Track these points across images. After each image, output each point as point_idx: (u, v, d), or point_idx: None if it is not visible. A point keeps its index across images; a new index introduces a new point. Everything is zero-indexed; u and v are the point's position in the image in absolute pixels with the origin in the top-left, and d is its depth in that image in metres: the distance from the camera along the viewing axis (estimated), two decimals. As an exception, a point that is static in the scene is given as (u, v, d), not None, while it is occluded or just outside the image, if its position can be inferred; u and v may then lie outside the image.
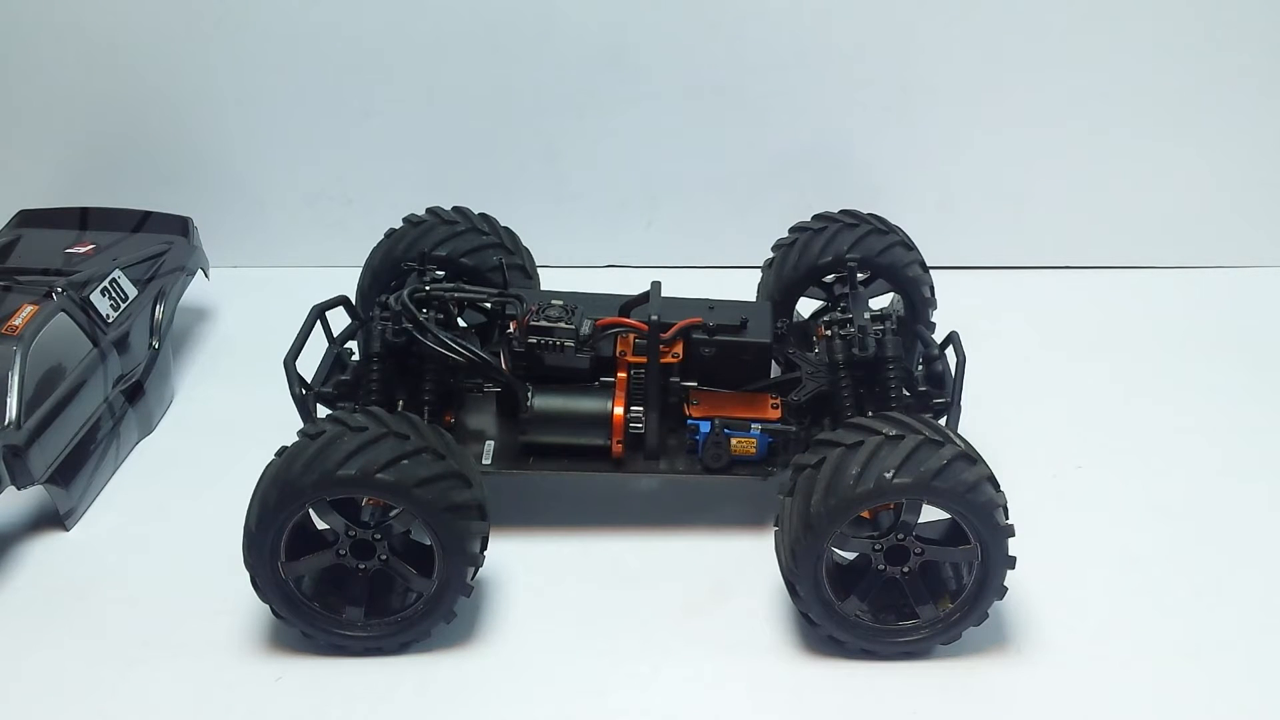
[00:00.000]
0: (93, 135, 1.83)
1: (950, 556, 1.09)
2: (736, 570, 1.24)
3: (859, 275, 1.40)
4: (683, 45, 1.71)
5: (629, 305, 1.28)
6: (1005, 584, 1.08)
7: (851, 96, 1.72)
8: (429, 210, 1.46)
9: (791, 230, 1.46)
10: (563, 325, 1.21)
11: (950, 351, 1.26)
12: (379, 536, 1.09)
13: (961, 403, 1.22)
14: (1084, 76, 1.70)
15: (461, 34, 1.73)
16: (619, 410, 1.22)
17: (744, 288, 1.48)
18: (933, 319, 1.42)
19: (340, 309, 1.35)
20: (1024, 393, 1.50)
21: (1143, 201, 1.78)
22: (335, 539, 1.09)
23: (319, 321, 1.31)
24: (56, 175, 1.85)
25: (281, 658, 1.13)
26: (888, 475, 1.04)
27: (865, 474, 1.05)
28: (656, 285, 1.28)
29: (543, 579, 1.24)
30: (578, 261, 1.83)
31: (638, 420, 1.23)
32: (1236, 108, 1.72)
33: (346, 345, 1.30)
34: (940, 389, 1.26)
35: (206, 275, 1.68)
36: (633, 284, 1.70)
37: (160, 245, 1.61)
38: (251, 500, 1.07)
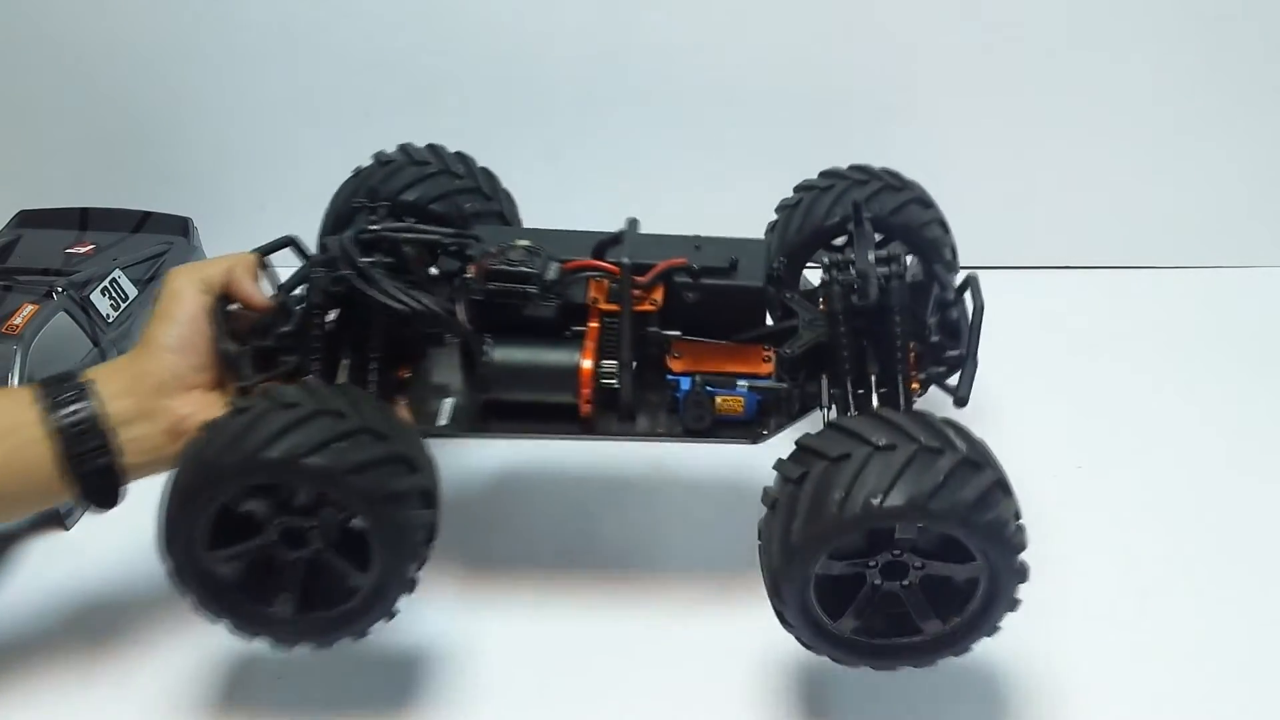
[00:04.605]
0: (93, 135, 1.83)
1: (954, 572, 0.97)
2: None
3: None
4: (683, 42, 1.72)
5: (603, 245, 1.14)
6: (1018, 596, 0.99)
7: (852, 94, 1.73)
8: (400, 148, 1.33)
9: (796, 189, 1.32)
10: (524, 269, 1.07)
11: (968, 297, 1.12)
12: (313, 524, 0.96)
13: (978, 356, 1.08)
14: (1084, 76, 1.71)
15: (461, 34, 1.73)
16: (587, 364, 1.08)
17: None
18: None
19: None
20: (1023, 392, 1.50)
21: (1143, 201, 1.78)
22: (264, 524, 0.96)
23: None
24: (56, 175, 1.85)
25: (283, 655, 1.12)
26: (875, 501, 0.89)
27: (850, 497, 0.87)
28: (633, 223, 1.17)
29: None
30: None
31: (609, 375, 1.09)
32: (1237, 107, 1.73)
33: (295, 292, 1.14)
34: (955, 340, 1.12)
35: (206, 275, 1.69)
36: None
37: (160, 245, 1.61)
38: (168, 482, 0.95)
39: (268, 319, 1.10)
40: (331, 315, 1.10)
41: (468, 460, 1.41)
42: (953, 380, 1.09)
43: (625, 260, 1.08)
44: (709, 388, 1.09)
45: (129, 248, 1.58)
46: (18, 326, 1.31)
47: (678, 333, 1.11)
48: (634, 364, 1.10)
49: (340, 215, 1.34)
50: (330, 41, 1.74)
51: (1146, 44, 1.69)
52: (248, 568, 0.99)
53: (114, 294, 1.48)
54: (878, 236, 1.23)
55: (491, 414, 1.12)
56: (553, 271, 1.08)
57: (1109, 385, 1.54)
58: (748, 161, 1.76)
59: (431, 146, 1.34)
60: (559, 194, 1.85)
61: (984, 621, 1.00)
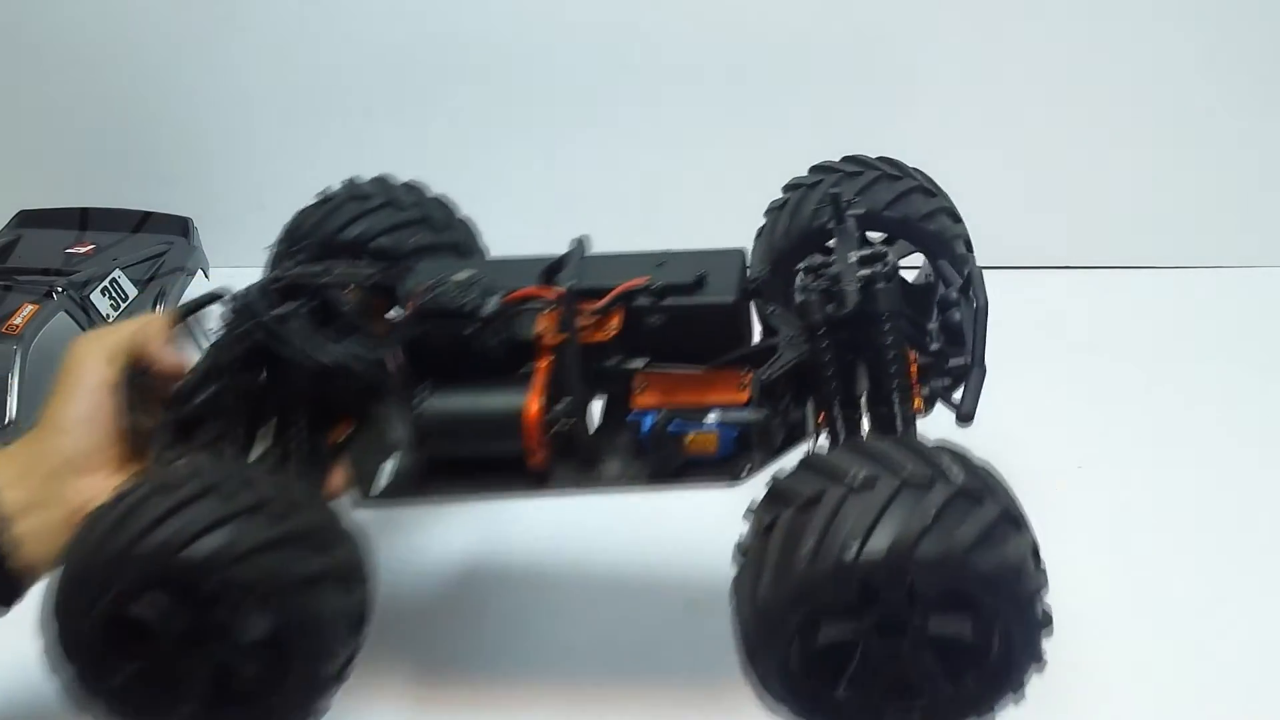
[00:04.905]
0: (93, 135, 1.83)
1: (961, 627, 0.82)
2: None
3: (858, 224, 1.07)
4: (682, 40, 1.72)
5: (551, 270, 1.01)
6: (1042, 649, 0.86)
7: (853, 90, 1.73)
8: (345, 182, 1.22)
9: (785, 188, 1.22)
10: (458, 304, 0.95)
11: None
12: (210, 624, 0.83)
13: (985, 363, 0.96)
14: (1084, 75, 1.71)
15: (462, 33, 1.73)
16: (532, 406, 0.93)
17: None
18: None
19: None
20: (1023, 392, 1.50)
21: (1143, 201, 1.78)
22: (157, 627, 0.82)
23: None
24: (56, 175, 1.85)
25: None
26: (850, 552, 0.76)
27: (823, 548, 0.77)
28: (581, 242, 1.04)
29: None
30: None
31: (564, 418, 0.95)
32: (1238, 107, 1.73)
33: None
34: (958, 345, 0.98)
35: (206, 275, 1.68)
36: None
37: (160, 245, 1.61)
38: (53, 582, 0.84)
39: (190, 384, 0.99)
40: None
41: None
42: (959, 394, 0.96)
43: (567, 283, 0.96)
44: (676, 424, 0.93)
45: (129, 248, 1.58)
46: (18, 326, 1.32)
47: (642, 362, 0.97)
48: (589, 402, 0.98)
49: (281, 260, 1.20)
50: (330, 42, 1.74)
51: (1147, 44, 1.69)
52: (147, 675, 0.84)
53: (114, 294, 1.48)
54: (880, 236, 1.14)
55: (436, 473, 0.97)
56: (492, 304, 0.95)
57: (1109, 385, 1.54)
58: (743, 160, 1.76)
59: (379, 179, 1.23)
60: (559, 195, 1.86)
61: (1004, 681, 0.85)
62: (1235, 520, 1.30)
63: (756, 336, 1.03)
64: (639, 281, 0.97)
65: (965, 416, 0.93)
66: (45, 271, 1.45)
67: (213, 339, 1.00)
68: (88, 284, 1.45)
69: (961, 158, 1.82)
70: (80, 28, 1.75)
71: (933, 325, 1.00)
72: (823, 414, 0.96)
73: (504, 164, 1.81)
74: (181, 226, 1.67)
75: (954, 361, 0.98)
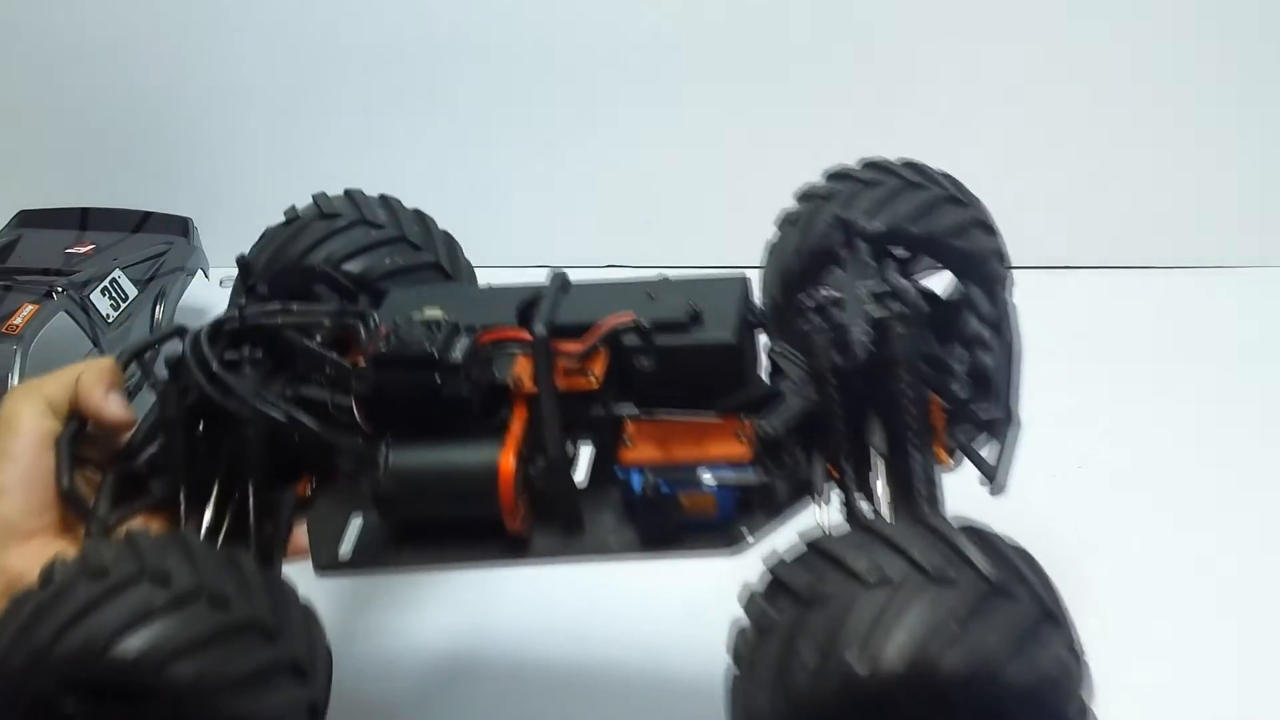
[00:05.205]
0: (93, 135, 1.83)
1: None
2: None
3: (869, 245, 0.95)
4: (681, 38, 1.72)
5: (528, 306, 0.90)
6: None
7: (854, 88, 1.72)
8: (315, 198, 1.13)
9: (799, 197, 1.08)
10: (422, 350, 0.83)
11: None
12: None
13: (1020, 417, 0.84)
14: (1083, 75, 1.70)
15: (462, 33, 1.73)
16: (508, 464, 0.82)
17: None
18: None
19: None
20: (1023, 392, 1.50)
21: (1143, 201, 1.78)
22: None
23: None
24: (56, 175, 1.85)
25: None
26: (861, 670, 0.63)
27: (829, 662, 0.64)
28: (559, 276, 0.93)
29: None
30: (577, 261, 1.82)
31: (543, 476, 0.84)
32: (1238, 108, 1.72)
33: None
34: (988, 393, 0.86)
35: (206, 275, 1.68)
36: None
37: (160, 245, 1.61)
38: None
39: (135, 439, 0.90)
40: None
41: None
42: (988, 447, 0.85)
43: (539, 328, 0.84)
44: (669, 483, 0.82)
45: (129, 248, 1.58)
46: (18, 326, 1.32)
47: (632, 408, 0.86)
48: (571, 457, 0.87)
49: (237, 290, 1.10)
50: (330, 42, 1.74)
51: (1147, 45, 1.69)
52: None
53: (114, 294, 1.48)
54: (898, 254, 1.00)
55: (405, 539, 0.87)
56: (460, 349, 0.84)
57: (1109, 385, 1.54)
58: (751, 160, 1.76)
59: (348, 194, 1.11)
60: (559, 198, 1.86)
61: None
62: (1236, 519, 1.30)
63: (764, 372, 0.92)
64: (625, 317, 0.85)
65: (996, 485, 0.82)
66: (45, 271, 1.45)
67: (160, 388, 0.90)
68: (88, 284, 1.45)
69: (961, 157, 1.82)
70: (80, 28, 1.75)
71: (959, 364, 0.88)
72: (833, 469, 0.85)
73: (504, 164, 1.81)
74: (181, 226, 1.67)
75: (985, 413, 0.85)
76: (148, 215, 1.68)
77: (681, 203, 1.81)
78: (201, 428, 0.89)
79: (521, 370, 0.86)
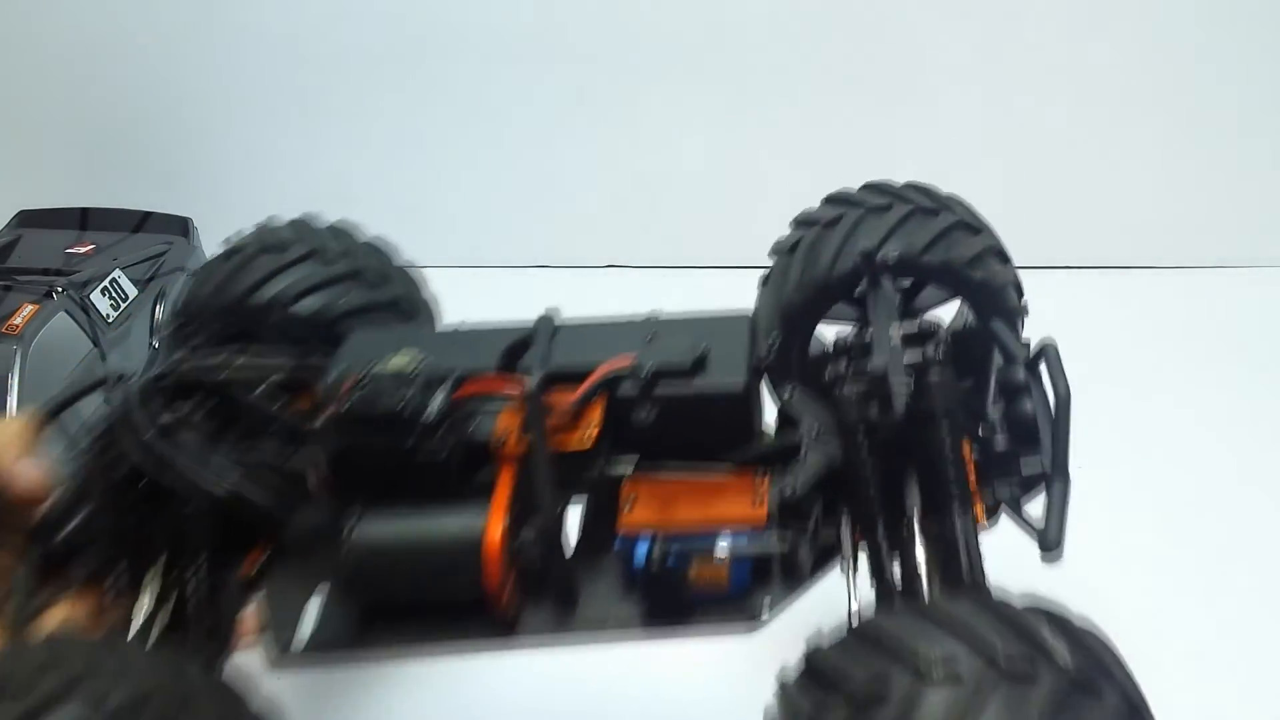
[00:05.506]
0: (93, 135, 1.83)
1: None
2: None
3: (894, 279, 0.87)
4: (681, 36, 1.72)
5: (513, 351, 0.79)
6: None
7: (857, 86, 1.72)
8: (258, 229, 1.01)
9: (795, 223, 0.98)
10: (390, 407, 0.71)
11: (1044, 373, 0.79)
12: None
13: (1070, 471, 0.73)
14: (1086, 77, 1.70)
15: (461, 33, 1.73)
16: (494, 533, 0.70)
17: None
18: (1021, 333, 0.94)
19: None
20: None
21: (1143, 201, 1.78)
22: None
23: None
24: (56, 175, 1.85)
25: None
26: None
27: None
28: (548, 319, 0.81)
29: None
30: (576, 261, 1.82)
31: (534, 546, 0.72)
32: (1239, 108, 1.72)
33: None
34: (1030, 444, 0.76)
35: (206, 275, 1.68)
36: (633, 286, 1.69)
37: (160, 245, 1.61)
38: None
39: (57, 510, 0.76)
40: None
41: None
42: (1033, 503, 0.75)
43: (531, 380, 0.74)
44: (677, 553, 0.71)
45: (129, 248, 1.58)
46: (18, 326, 1.32)
47: (631, 463, 0.76)
48: (563, 522, 0.76)
49: (176, 337, 0.96)
50: (329, 43, 1.74)
51: (1148, 46, 1.69)
52: None
53: (114, 294, 1.48)
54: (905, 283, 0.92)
55: (374, 622, 0.74)
56: (436, 405, 0.73)
57: (1109, 385, 1.53)
58: (746, 160, 1.76)
59: (298, 222, 1.01)
60: (559, 198, 1.85)
61: None
62: (1236, 519, 1.30)
63: (768, 416, 0.82)
64: (622, 362, 0.76)
65: (1051, 548, 0.73)
66: (45, 271, 1.45)
67: (84, 450, 0.78)
68: (88, 284, 1.45)
69: (961, 157, 1.82)
70: (80, 28, 1.75)
71: (994, 410, 0.78)
72: (859, 530, 0.75)
73: (505, 164, 1.80)
74: (181, 226, 1.67)
75: (1028, 468, 0.76)
76: (148, 215, 1.68)
77: (681, 203, 1.81)
78: (135, 498, 0.76)
79: (507, 428, 0.74)
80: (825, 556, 0.75)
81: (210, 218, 1.73)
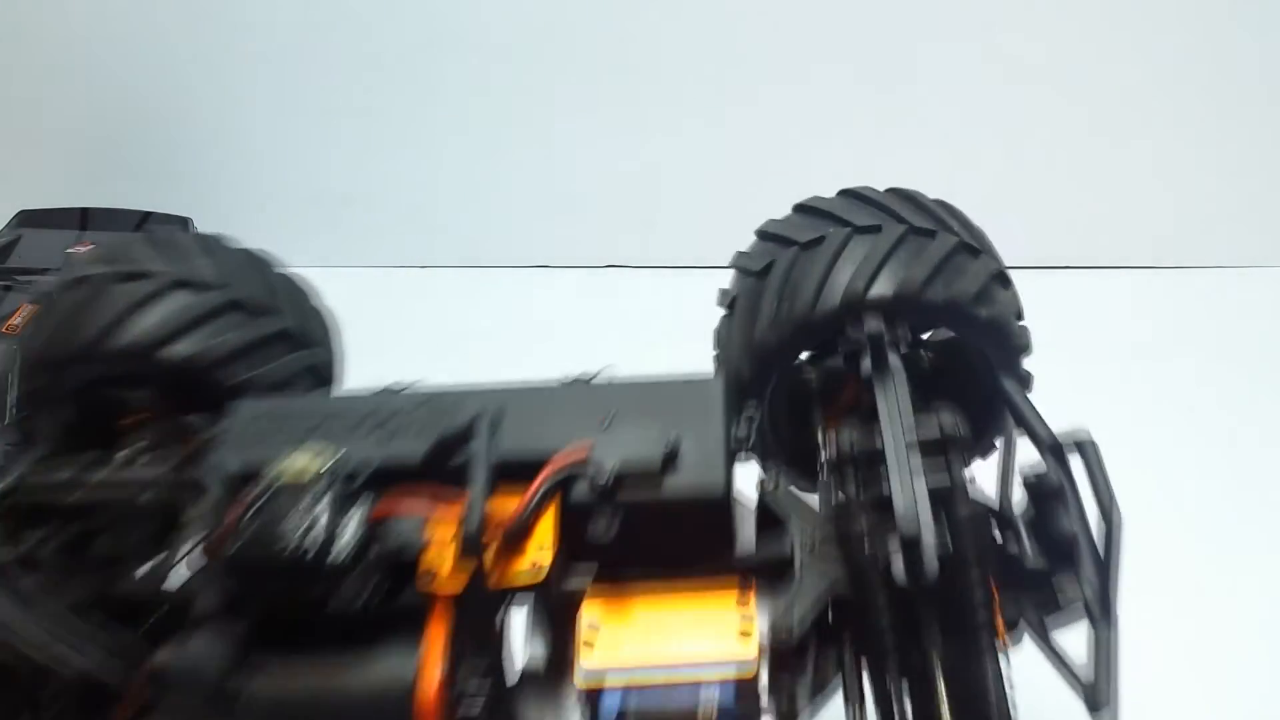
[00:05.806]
0: (93, 135, 1.83)
1: None
2: None
3: (892, 328, 0.74)
4: (681, 37, 1.72)
5: (445, 448, 0.64)
6: None
7: (859, 86, 1.72)
8: (106, 248, 0.80)
9: (762, 234, 0.83)
10: (288, 539, 0.57)
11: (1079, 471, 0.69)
12: None
13: (1117, 605, 0.65)
14: (1084, 76, 1.70)
15: (462, 33, 1.73)
16: (430, 680, 0.58)
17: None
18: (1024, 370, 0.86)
19: None
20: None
21: (1142, 201, 1.78)
22: None
23: None
24: (56, 175, 1.85)
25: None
26: None
27: None
28: (480, 417, 0.64)
29: None
30: (576, 261, 1.82)
31: (476, 695, 0.60)
32: (1238, 109, 1.72)
33: None
34: (1067, 563, 0.69)
35: (207, 275, 1.68)
36: (633, 287, 1.69)
37: (160, 245, 1.62)
38: None
39: None
40: None
41: None
42: (1068, 628, 0.66)
43: (473, 516, 0.59)
44: (648, 701, 0.59)
45: (129, 248, 1.58)
46: (18, 327, 1.32)
47: (589, 575, 0.63)
48: (504, 657, 0.63)
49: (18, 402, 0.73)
50: (330, 42, 1.74)
51: (1149, 46, 1.69)
52: None
53: (114, 294, 1.48)
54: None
55: None
56: (350, 533, 0.58)
57: (1108, 385, 1.54)
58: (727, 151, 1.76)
59: (150, 241, 0.79)
60: (559, 198, 1.85)
61: None
62: (1235, 518, 1.31)
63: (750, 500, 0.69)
64: (577, 455, 0.62)
65: (1101, 706, 0.65)
66: (45, 271, 1.45)
67: None
68: (88, 284, 1.45)
69: (961, 157, 1.82)
70: (81, 28, 1.75)
71: (1020, 513, 0.68)
72: (866, 664, 0.65)
73: (505, 164, 1.80)
74: (181, 226, 1.67)
75: (1064, 594, 0.67)
76: (148, 215, 1.68)
77: (681, 203, 1.81)
78: None
79: (438, 559, 0.60)
80: (822, 681, 0.66)
81: (210, 218, 1.73)
